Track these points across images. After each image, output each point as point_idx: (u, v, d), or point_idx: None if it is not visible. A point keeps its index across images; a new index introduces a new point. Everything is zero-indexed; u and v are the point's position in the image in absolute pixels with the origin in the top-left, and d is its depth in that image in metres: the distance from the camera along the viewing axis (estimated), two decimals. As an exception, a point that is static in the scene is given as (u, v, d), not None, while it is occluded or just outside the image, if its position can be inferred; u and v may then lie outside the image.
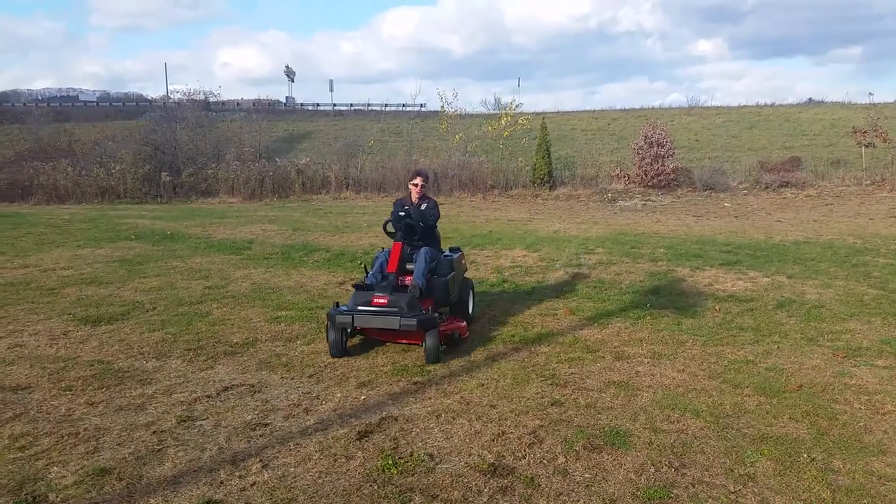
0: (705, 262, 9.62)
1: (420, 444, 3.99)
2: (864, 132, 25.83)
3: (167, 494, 3.41)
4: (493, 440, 4.06)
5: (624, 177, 25.36)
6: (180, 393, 4.86)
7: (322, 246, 11.72)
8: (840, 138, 31.59)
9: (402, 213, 6.12)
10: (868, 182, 24.17)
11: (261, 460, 3.77)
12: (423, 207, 6.36)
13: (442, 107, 31.06)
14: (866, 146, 25.82)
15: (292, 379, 5.15)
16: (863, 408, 4.59)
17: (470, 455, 3.86)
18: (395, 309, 5.59)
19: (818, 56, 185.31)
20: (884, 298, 7.65)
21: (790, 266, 9.38)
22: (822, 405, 4.62)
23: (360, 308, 5.65)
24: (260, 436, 4.11)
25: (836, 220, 16.03)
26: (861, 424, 4.31)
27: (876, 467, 3.73)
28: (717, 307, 7.41)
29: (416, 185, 6.48)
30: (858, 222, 15.31)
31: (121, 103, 54.47)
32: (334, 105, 56.22)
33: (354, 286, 5.95)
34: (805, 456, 3.85)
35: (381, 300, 5.66)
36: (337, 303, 5.85)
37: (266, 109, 47.60)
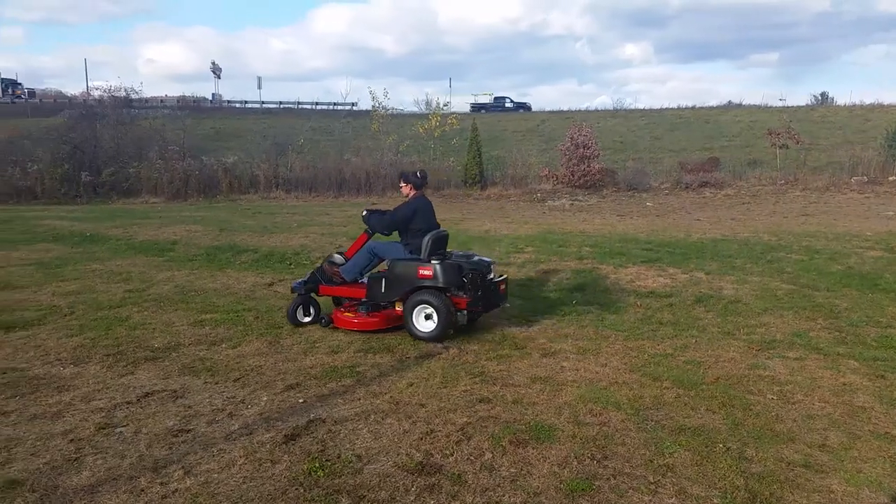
0: (628, 260, 9.89)
1: (348, 446, 3.97)
2: (778, 134, 27.02)
3: (83, 505, 3.30)
4: (422, 439, 4.08)
5: (552, 177, 25.82)
6: (99, 399, 4.70)
7: (250, 247, 11.50)
8: (756, 140, 32.94)
9: None
10: (782, 182, 25.32)
11: (183, 467, 3.68)
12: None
13: (373, 106, 30.98)
14: (780, 147, 27.02)
15: (216, 384, 5.04)
16: (775, 398, 4.81)
17: (398, 454, 3.86)
18: None
19: (739, 60, 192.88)
20: (796, 293, 8.02)
21: (708, 262, 9.74)
22: (737, 396, 4.82)
23: None
24: (182, 442, 4.01)
25: (753, 218, 16.72)
26: (773, 414, 4.51)
27: (786, 454, 3.91)
28: (638, 303, 7.64)
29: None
30: (773, 220, 16.02)
31: (37, 100, 52.23)
32: (262, 103, 55.32)
33: None
34: (721, 446, 4.00)
35: None
36: None
37: (191, 106, 46.42)
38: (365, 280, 6.73)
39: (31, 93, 56.11)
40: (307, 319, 6.69)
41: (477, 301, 6.25)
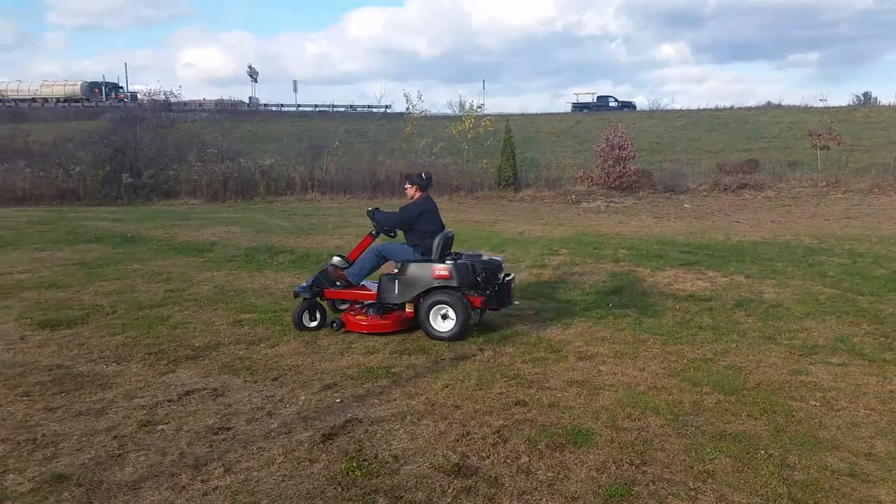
0: (665, 263, 9.77)
1: (385, 446, 3.99)
2: (819, 135, 26.47)
3: (128, 500, 3.36)
4: (458, 440, 4.07)
5: (587, 179, 25.66)
6: (141, 397, 4.79)
7: (287, 248, 11.63)
8: (796, 141, 32.33)
9: None
10: (823, 184, 24.79)
11: (223, 464, 3.73)
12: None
13: (407, 108, 31.16)
14: (821, 148, 26.47)
15: (255, 382, 5.10)
16: (818, 404, 4.70)
17: (434, 456, 3.87)
18: None
19: (778, 60, 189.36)
20: (838, 297, 7.84)
21: (748, 266, 9.57)
22: (779, 402, 4.72)
23: None
24: (222, 440, 4.07)
25: (793, 220, 16.41)
26: (816, 421, 4.41)
27: (829, 462, 3.83)
28: (676, 306, 7.54)
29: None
30: (814, 223, 15.70)
31: (80, 104, 53.43)
32: (298, 106, 55.95)
33: None
34: (762, 452, 3.93)
35: None
36: None
37: (229, 110, 47.15)
38: (366, 283, 6.76)
39: (133, 96, 56.78)
40: (313, 324, 6.55)
41: (491, 299, 6.34)
